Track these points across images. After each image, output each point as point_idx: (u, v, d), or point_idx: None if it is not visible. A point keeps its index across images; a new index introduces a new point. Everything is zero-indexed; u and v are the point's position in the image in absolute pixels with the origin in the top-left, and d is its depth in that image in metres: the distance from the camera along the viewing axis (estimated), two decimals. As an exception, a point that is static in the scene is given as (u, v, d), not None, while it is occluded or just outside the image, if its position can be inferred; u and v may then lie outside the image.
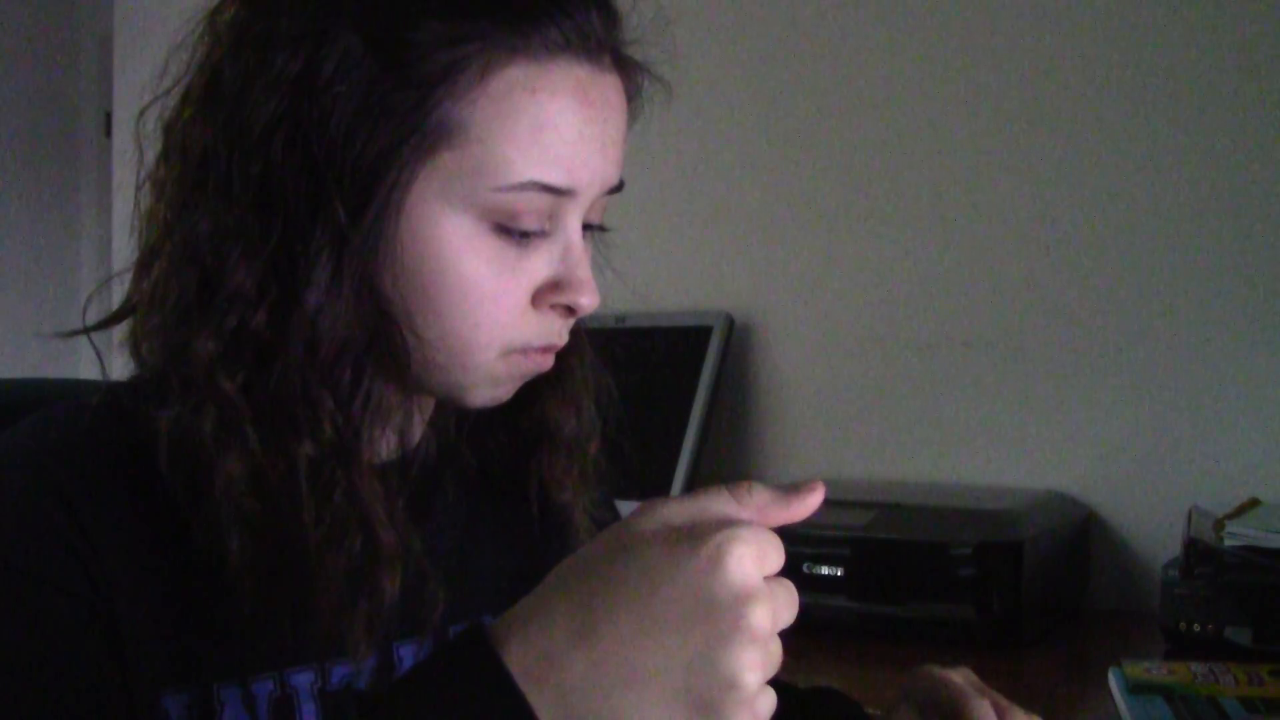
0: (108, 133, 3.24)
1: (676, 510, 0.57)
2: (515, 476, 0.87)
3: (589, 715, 0.54)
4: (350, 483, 0.71)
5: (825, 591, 1.43)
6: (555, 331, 0.76)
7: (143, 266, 0.74)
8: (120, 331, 0.77)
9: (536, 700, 0.54)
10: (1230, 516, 1.39)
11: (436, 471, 0.84)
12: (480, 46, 0.70)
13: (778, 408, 1.85)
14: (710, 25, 1.87)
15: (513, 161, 0.70)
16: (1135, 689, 1.16)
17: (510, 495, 0.87)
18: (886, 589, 1.43)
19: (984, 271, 1.72)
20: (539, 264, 0.74)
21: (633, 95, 0.78)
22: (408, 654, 0.80)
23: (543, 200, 0.72)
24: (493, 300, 0.73)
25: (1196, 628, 1.32)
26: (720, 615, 0.53)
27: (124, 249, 0.77)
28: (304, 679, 0.75)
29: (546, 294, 0.75)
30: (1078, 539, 1.60)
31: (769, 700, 0.55)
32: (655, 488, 1.70)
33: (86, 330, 0.78)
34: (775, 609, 0.55)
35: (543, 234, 0.73)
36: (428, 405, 0.82)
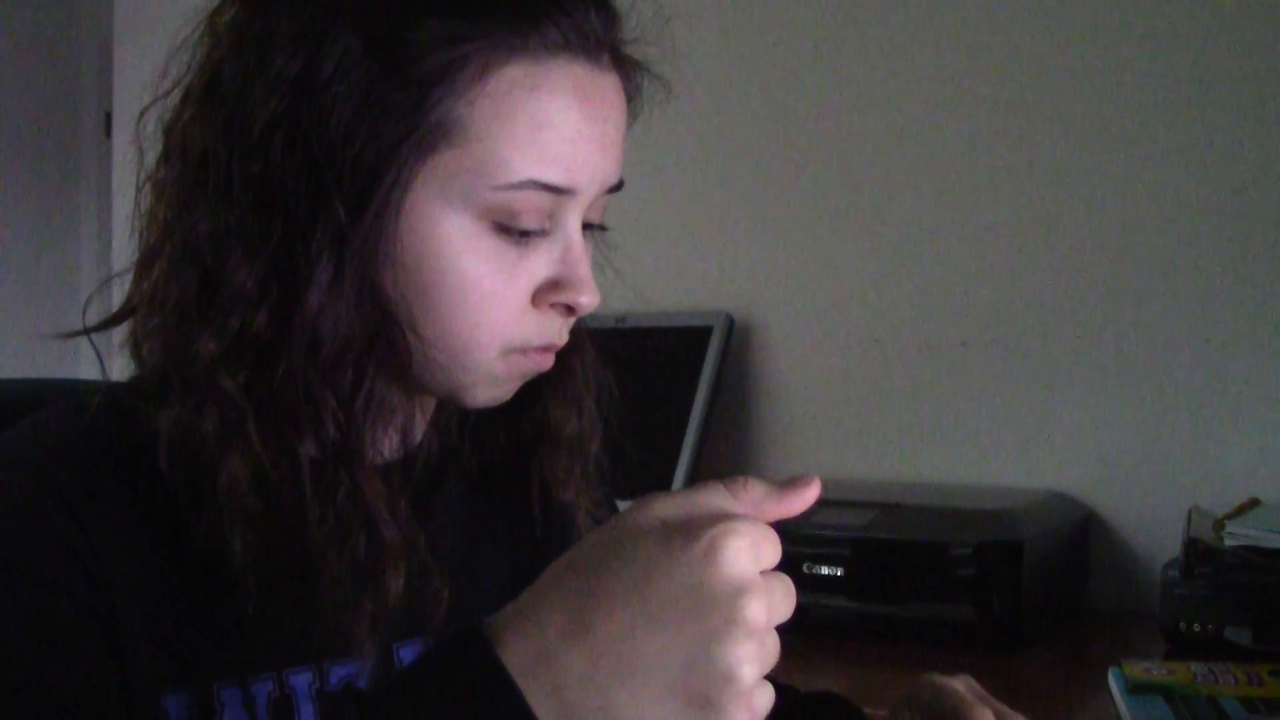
0: (108, 133, 3.24)
1: (671, 505, 0.57)
2: (517, 476, 0.87)
3: (585, 710, 0.54)
4: (353, 482, 0.71)
5: (825, 591, 1.43)
6: (555, 331, 0.76)
7: (143, 267, 0.74)
8: (120, 332, 0.77)
9: (533, 696, 0.54)
10: (1230, 516, 1.39)
11: (438, 471, 0.84)
12: (479, 45, 0.70)
13: (778, 408, 1.85)
14: (709, 25, 1.87)
15: (512, 160, 0.70)
16: (1135, 689, 1.16)
17: (512, 495, 0.87)
18: (886, 589, 1.43)
19: (984, 271, 1.72)
20: (539, 263, 0.74)
21: (632, 95, 0.78)
22: (408, 655, 0.80)
23: (542, 199, 0.72)
24: (492, 299, 0.73)
25: (1196, 628, 1.32)
26: (715, 609, 0.53)
27: (124, 249, 0.77)
28: (302, 679, 0.75)
29: (546, 293, 0.75)
30: (1078, 539, 1.60)
31: (767, 695, 0.55)
32: (655, 488, 1.68)
33: (87, 331, 0.78)
34: (771, 603, 0.55)
35: (542, 233, 0.73)
36: (429, 405, 0.82)
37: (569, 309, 0.76)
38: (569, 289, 0.75)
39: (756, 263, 1.87)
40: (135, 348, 0.75)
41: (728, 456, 1.85)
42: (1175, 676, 1.18)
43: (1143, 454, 1.62)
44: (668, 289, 1.87)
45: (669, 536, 0.55)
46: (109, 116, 2.97)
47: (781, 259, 1.85)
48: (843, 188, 1.81)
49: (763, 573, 0.55)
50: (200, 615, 0.73)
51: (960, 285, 1.73)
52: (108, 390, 0.76)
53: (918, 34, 1.76)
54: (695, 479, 1.73)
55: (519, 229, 0.72)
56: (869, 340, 1.78)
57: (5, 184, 3.72)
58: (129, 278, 0.76)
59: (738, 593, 0.54)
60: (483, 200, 0.71)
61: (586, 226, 0.76)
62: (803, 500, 0.59)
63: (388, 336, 0.72)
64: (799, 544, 1.44)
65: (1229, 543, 1.32)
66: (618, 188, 0.77)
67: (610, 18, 0.74)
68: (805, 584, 1.45)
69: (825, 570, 1.43)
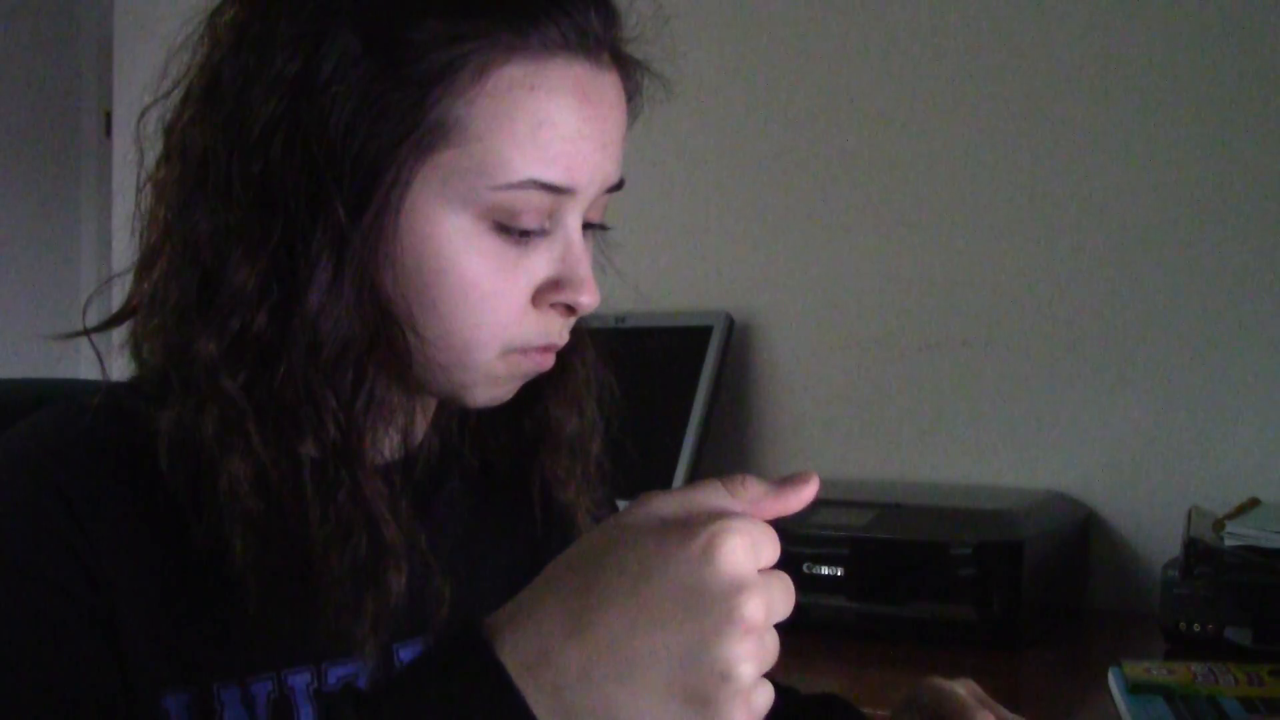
0: (108, 133, 3.24)
1: (669, 503, 0.57)
2: (518, 476, 0.86)
3: (584, 709, 0.54)
4: (354, 482, 0.71)
5: (825, 591, 1.43)
6: (555, 331, 0.76)
7: (143, 268, 0.74)
8: (120, 333, 0.77)
9: (531, 695, 0.54)
10: (1230, 516, 1.39)
11: (439, 471, 0.84)
12: (478, 45, 0.70)
13: (778, 408, 1.85)
14: (709, 25, 1.87)
15: (511, 160, 0.70)
16: (1135, 689, 1.16)
17: (513, 495, 0.87)
18: (886, 589, 1.43)
19: (984, 271, 1.72)
20: (539, 263, 0.74)
21: (632, 94, 0.78)
22: (408, 655, 0.80)
23: (542, 199, 0.72)
24: (493, 299, 0.73)
25: (1196, 628, 1.32)
26: (712, 606, 0.53)
27: (124, 249, 0.77)
28: (301, 680, 0.75)
29: (547, 293, 0.75)
30: (1078, 539, 1.60)
31: (766, 694, 0.55)
32: (655, 488, 1.68)
33: (87, 331, 0.78)
34: (769, 601, 0.54)
35: (542, 233, 0.73)
36: (430, 405, 0.82)
37: (569, 309, 0.76)
38: (569, 289, 0.75)
39: (756, 263, 1.87)
40: (136, 348, 0.75)
41: (727, 457, 1.85)
42: (1175, 676, 1.18)
43: (1143, 454, 1.62)
44: (668, 289, 1.87)
45: (667, 534, 0.55)
46: (109, 116, 2.97)
47: (781, 259, 1.85)
48: (843, 188, 1.81)
49: (761, 571, 0.55)
50: (200, 615, 0.73)
51: (960, 285, 1.73)
52: (108, 390, 0.76)
53: (918, 34, 1.76)
54: (695, 479, 1.72)
55: (519, 229, 0.72)
56: (869, 340, 1.78)
57: (5, 184, 3.72)
58: (129, 278, 0.76)
59: (735, 590, 0.53)
60: (483, 200, 0.71)
61: (587, 226, 0.76)
62: (800, 498, 0.59)
63: (388, 337, 0.72)
64: (799, 544, 1.44)
65: (1229, 543, 1.32)
66: (618, 187, 0.77)
67: (609, 17, 0.74)
68: (805, 584, 1.45)
69: (825, 570, 1.43)
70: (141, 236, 0.75)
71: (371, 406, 0.73)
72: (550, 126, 0.71)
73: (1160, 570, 1.38)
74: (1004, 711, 0.81)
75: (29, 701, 0.67)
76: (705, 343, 1.79)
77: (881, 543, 1.43)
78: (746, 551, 0.54)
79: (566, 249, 0.74)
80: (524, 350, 0.75)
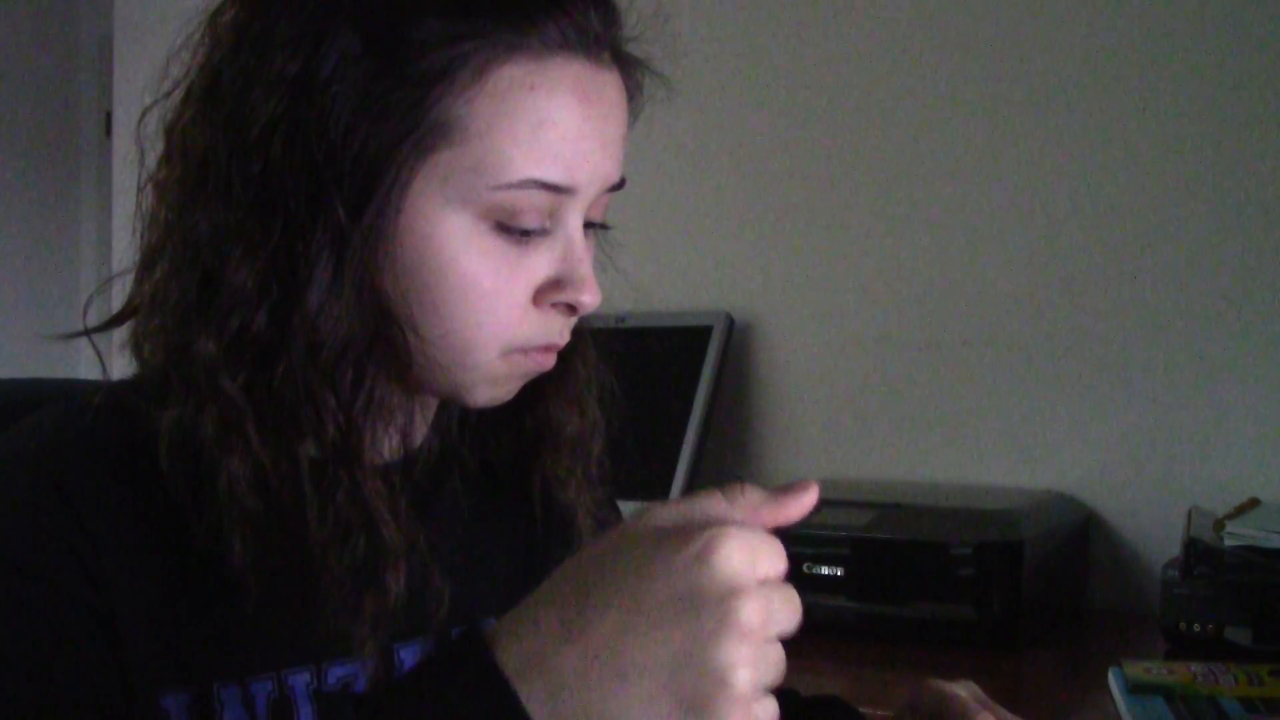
0: (108, 133, 3.24)
1: (668, 512, 0.57)
2: (519, 476, 0.86)
3: (580, 712, 0.54)
4: (353, 482, 0.71)
5: (825, 591, 1.43)
6: (556, 330, 0.76)
7: (144, 268, 0.74)
8: (121, 333, 0.77)
9: (527, 697, 0.54)
10: (1230, 516, 1.39)
11: (439, 471, 0.84)
12: (478, 44, 0.70)
13: (778, 408, 1.85)
14: (709, 24, 1.87)
15: (512, 159, 0.70)
16: (1135, 689, 1.16)
17: (513, 495, 0.87)
18: (886, 589, 1.43)
19: (985, 271, 1.72)
20: (540, 262, 0.74)
21: (633, 93, 0.78)
22: (409, 655, 0.80)
23: (543, 198, 0.72)
24: (493, 299, 0.73)
25: (1196, 628, 1.32)
26: (707, 610, 0.53)
27: (124, 249, 0.77)
28: (300, 680, 0.75)
29: (548, 292, 0.75)
30: (1078, 539, 1.60)
31: (768, 708, 0.55)
32: (655, 488, 1.70)
33: (88, 332, 0.78)
34: (768, 608, 0.54)
35: (543, 232, 0.73)
36: (430, 405, 0.82)
37: (570, 308, 0.76)
38: (570, 288, 0.75)
39: (756, 263, 1.87)
40: (137, 348, 0.75)
41: (727, 457, 1.86)
42: (1175, 676, 1.18)
43: (1143, 454, 1.62)
44: (668, 289, 1.87)
45: (664, 540, 0.55)
46: (109, 116, 2.97)
47: (781, 259, 1.85)
48: (843, 188, 1.81)
49: (764, 581, 0.55)
50: (200, 615, 0.73)
51: (960, 285, 1.73)
52: (108, 389, 0.76)
53: (919, 34, 1.76)
54: (695, 479, 1.73)
55: (519, 228, 0.72)
56: (869, 340, 1.78)
57: (5, 184, 3.72)
58: (129, 278, 0.76)
59: (730, 594, 0.53)
60: (483, 199, 0.71)
61: (588, 225, 0.76)
62: (801, 506, 0.59)
63: (388, 336, 0.72)
64: (799, 544, 1.44)
65: (1229, 543, 1.32)
66: (619, 186, 0.77)
67: (610, 16, 0.74)
68: (805, 584, 1.45)
69: (825, 570, 1.43)
70: (142, 237, 0.75)
71: (371, 406, 0.73)
72: (551, 126, 0.71)
73: (1160, 570, 1.38)
74: (1005, 714, 0.81)
75: (28, 700, 0.67)
76: (705, 343, 1.79)
77: (881, 543, 1.44)
78: (743, 556, 0.54)
79: (567, 248, 0.74)
80: (525, 350, 0.75)
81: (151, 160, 0.75)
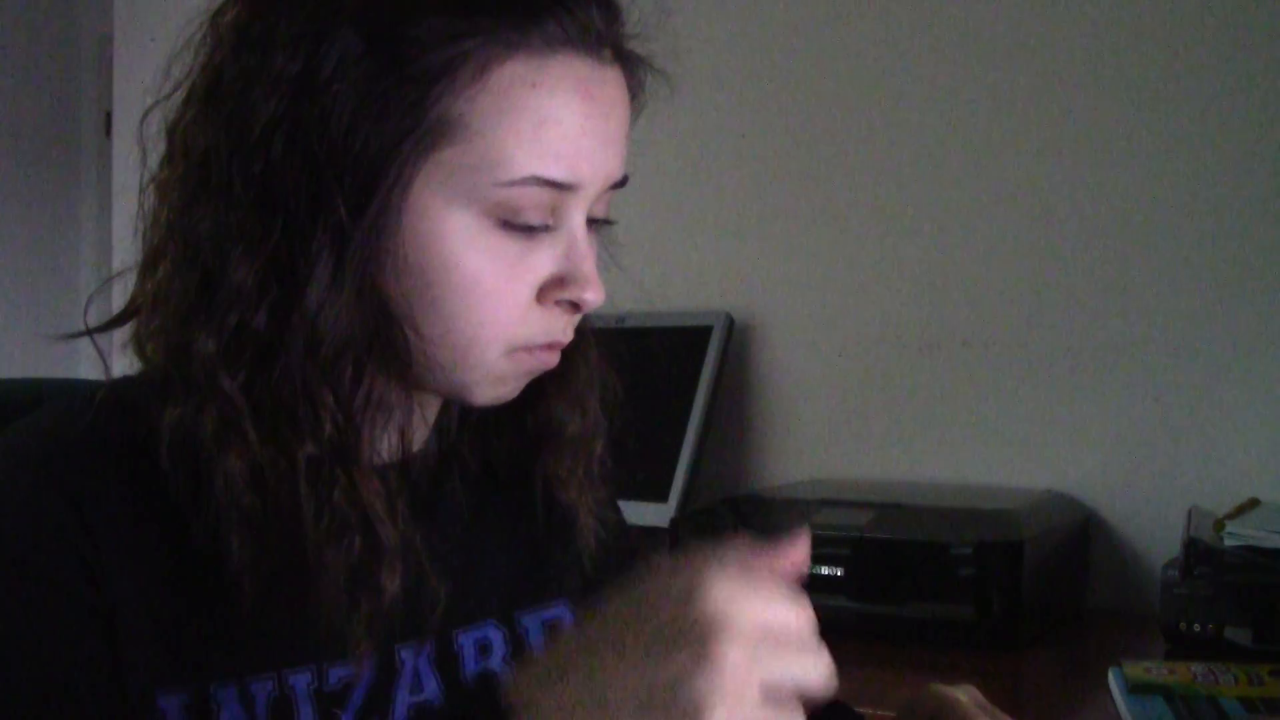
0: (108, 133, 3.24)
1: (667, 560, 0.58)
2: (520, 476, 0.86)
3: None
4: (350, 481, 0.71)
5: (825, 591, 1.42)
6: (560, 328, 0.76)
7: (147, 268, 0.75)
8: (122, 333, 0.77)
9: None
10: (1230, 516, 1.39)
11: (439, 471, 0.84)
12: (480, 42, 0.70)
13: (778, 408, 1.85)
14: (709, 24, 1.87)
15: (514, 157, 0.70)
16: (1135, 689, 1.16)
17: (515, 495, 0.87)
18: (886, 589, 1.43)
19: (984, 271, 1.72)
20: (543, 260, 0.74)
21: (636, 90, 0.78)
22: (409, 655, 0.80)
23: (545, 195, 0.72)
24: (496, 297, 0.73)
25: (1196, 628, 1.32)
26: (686, 646, 0.54)
27: (124, 250, 0.77)
28: (301, 679, 0.75)
29: (551, 290, 0.75)
30: (1078, 539, 1.60)
31: None
32: (655, 488, 1.70)
33: (90, 332, 0.78)
34: (754, 651, 0.54)
35: (546, 229, 0.73)
36: (431, 405, 0.82)
37: (574, 306, 0.76)
38: (574, 285, 0.75)
39: (756, 263, 1.87)
40: (140, 348, 0.75)
41: (728, 457, 1.86)
42: (1175, 676, 1.18)
43: (1143, 454, 1.62)
44: (668, 289, 1.87)
45: (654, 579, 0.56)
46: (109, 116, 2.97)
47: (781, 259, 1.85)
48: (843, 188, 1.81)
49: (762, 626, 0.55)
50: (199, 615, 0.73)
51: (960, 285, 1.73)
52: (111, 385, 0.76)
53: (919, 34, 1.76)
54: (695, 479, 1.73)
55: (523, 224, 0.72)
56: (869, 340, 1.79)
57: (5, 184, 3.73)
58: (129, 278, 0.76)
59: (712, 631, 0.53)
60: (485, 197, 0.71)
61: (592, 221, 0.76)
62: (792, 556, 0.59)
63: (387, 335, 0.72)
64: (799, 544, 1.43)
65: (1229, 543, 1.32)
66: (622, 183, 0.77)
67: (611, 13, 0.74)
68: (805, 584, 1.45)
69: (825, 570, 1.43)
70: (144, 237, 0.75)
71: (370, 405, 0.73)
72: (553, 123, 0.71)
73: (1160, 570, 1.38)
74: (1005, 718, 0.81)
75: (24, 699, 0.67)
76: (705, 343, 1.79)
77: (881, 543, 1.43)
78: (731, 594, 0.54)
79: (570, 246, 0.74)
80: (528, 348, 0.75)
81: (153, 161, 0.75)
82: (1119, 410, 1.63)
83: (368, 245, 0.70)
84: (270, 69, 0.69)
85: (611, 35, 0.74)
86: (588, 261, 0.75)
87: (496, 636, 0.84)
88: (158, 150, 0.75)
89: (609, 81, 0.74)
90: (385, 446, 0.78)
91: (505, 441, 0.86)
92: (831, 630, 1.54)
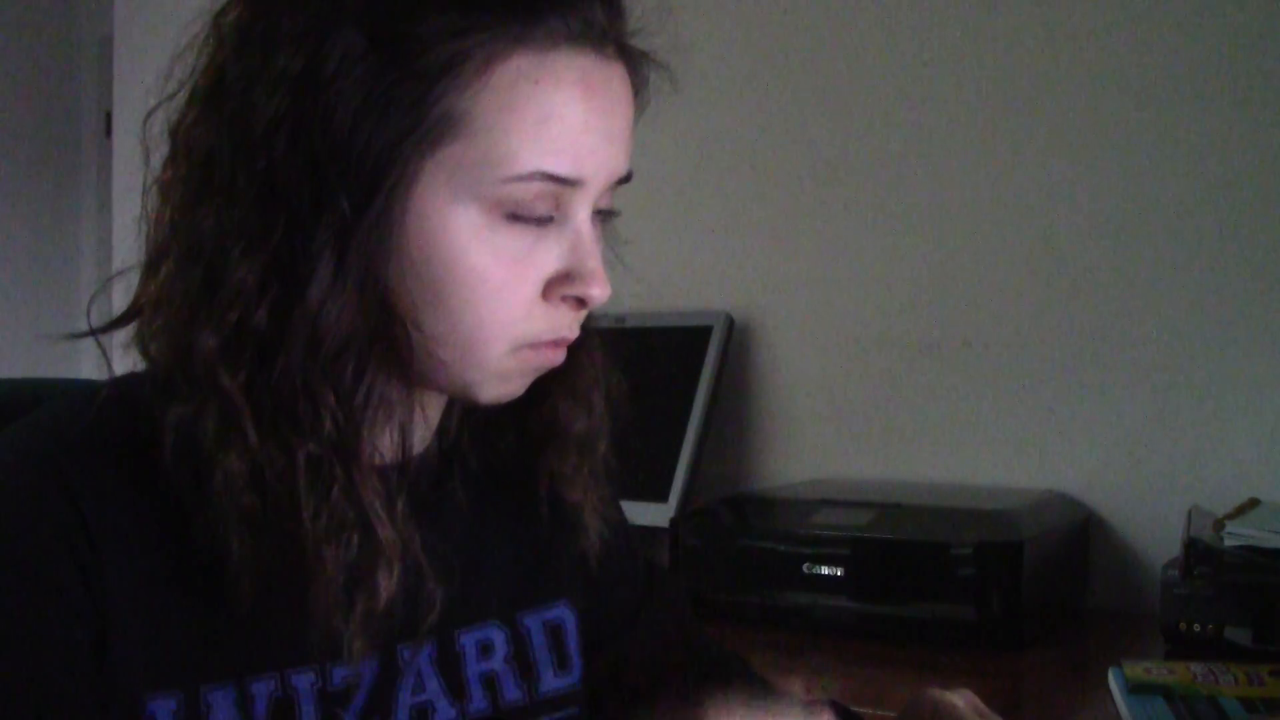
0: (108, 133, 3.24)
1: None
2: (524, 475, 0.86)
3: None
4: (349, 479, 0.71)
5: (825, 591, 1.43)
6: (566, 325, 0.76)
7: (150, 268, 0.74)
8: (124, 334, 0.77)
9: None
10: (1230, 516, 1.39)
11: (441, 471, 0.84)
12: (482, 38, 0.70)
13: (778, 408, 1.85)
14: (709, 24, 1.87)
15: (518, 152, 0.70)
16: (1135, 689, 1.16)
17: (517, 495, 0.87)
18: (886, 589, 1.43)
19: (984, 271, 1.72)
20: (549, 256, 0.74)
21: (639, 86, 0.78)
22: (411, 656, 0.80)
23: (549, 191, 0.72)
24: (502, 293, 0.73)
25: (1196, 628, 1.32)
26: None
27: (124, 250, 0.77)
28: (305, 679, 0.75)
29: (557, 286, 0.75)
30: (1078, 539, 1.60)
31: None
32: (655, 488, 1.70)
33: (94, 332, 0.78)
34: None
35: (552, 219, 0.73)
36: (433, 404, 0.82)
37: (579, 302, 0.76)
38: (579, 281, 0.75)
39: (756, 263, 1.87)
40: (143, 348, 0.75)
41: (728, 457, 1.86)
42: (1175, 676, 1.18)
43: (1143, 454, 1.62)
44: (668, 289, 1.87)
45: None
46: (109, 117, 2.97)
47: (781, 259, 1.85)
48: (843, 188, 1.81)
49: None
50: (197, 615, 0.73)
51: (960, 286, 1.73)
52: (114, 383, 0.76)
53: (919, 34, 1.76)
54: (695, 479, 1.73)
55: (531, 215, 0.72)
56: (869, 340, 1.79)
57: (5, 184, 3.73)
58: (131, 278, 0.76)
59: None
60: (490, 193, 0.71)
61: (596, 214, 0.76)
62: None
63: (390, 333, 0.72)
64: (799, 544, 1.44)
65: (1229, 543, 1.32)
66: (626, 179, 0.77)
67: (614, 9, 0.74)
68: (805, 584, 1.45)
69: (825, 570, 1.43)
70: (147, 238, 0.75)
71: (371, 403, 0.73)
72: (556, 119, 0.71)
73: (1160, 570, 1.38)
74: None
75: (2, 697, 0.67)
76: (705, 343, 1.79)
77: (881, 543, 1.44)
78: None
79: (576, 241, 0.74)
80: (533, 345, 0.75)
81: (156, 161, 0.75)
82: (1119, 410, 1.63)
83: (370, 243, 0.70)
84: (272, 68, 0.69)
85: (614, 31, 0.74)
86: (593, 257, 0.75)
87: (498, 637, 0.84)
88: (160, 151, 0.75)
89: (612, 77, 0.74)
90: (387, 446, 0.77)
91: (509, 440, 0.86)
92: (831, 630, 1.55)
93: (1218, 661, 1.22)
